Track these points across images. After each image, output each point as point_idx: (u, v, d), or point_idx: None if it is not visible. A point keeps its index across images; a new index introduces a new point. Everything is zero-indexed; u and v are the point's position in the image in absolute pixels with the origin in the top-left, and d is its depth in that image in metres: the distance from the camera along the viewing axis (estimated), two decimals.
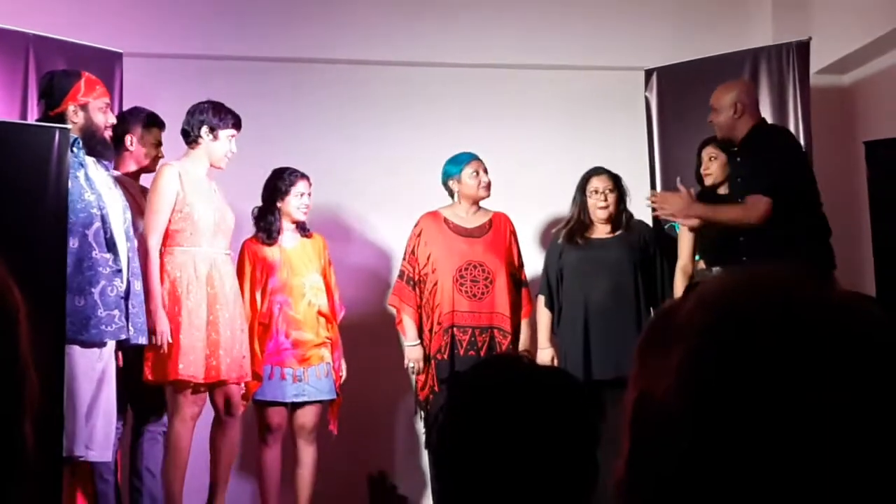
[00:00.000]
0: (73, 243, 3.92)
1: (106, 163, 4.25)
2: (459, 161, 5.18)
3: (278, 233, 5.00)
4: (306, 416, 4.99)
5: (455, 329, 5.01)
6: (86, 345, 3.93)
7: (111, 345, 4.06)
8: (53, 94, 4.11)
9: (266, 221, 5.00)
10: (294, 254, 5.03)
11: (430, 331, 5.06)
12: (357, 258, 5.90)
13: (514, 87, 6.08)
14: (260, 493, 5.02)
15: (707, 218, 4.50)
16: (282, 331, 4.92)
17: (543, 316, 5.11)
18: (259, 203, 5.06)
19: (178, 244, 4.44)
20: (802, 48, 5.44)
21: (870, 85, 5.92)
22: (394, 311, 5.27)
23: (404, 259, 5.19)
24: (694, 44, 5.82)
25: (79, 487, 4.24)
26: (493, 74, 6.06)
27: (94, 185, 4.05)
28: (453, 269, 5.05)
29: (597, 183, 5.02)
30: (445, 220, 5.17)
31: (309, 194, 5.04)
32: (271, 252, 4.98)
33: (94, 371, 3.96)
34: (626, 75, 5.93)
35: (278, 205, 5.01)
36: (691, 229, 4.74)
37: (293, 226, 5.06)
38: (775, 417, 0.66)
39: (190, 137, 4.59)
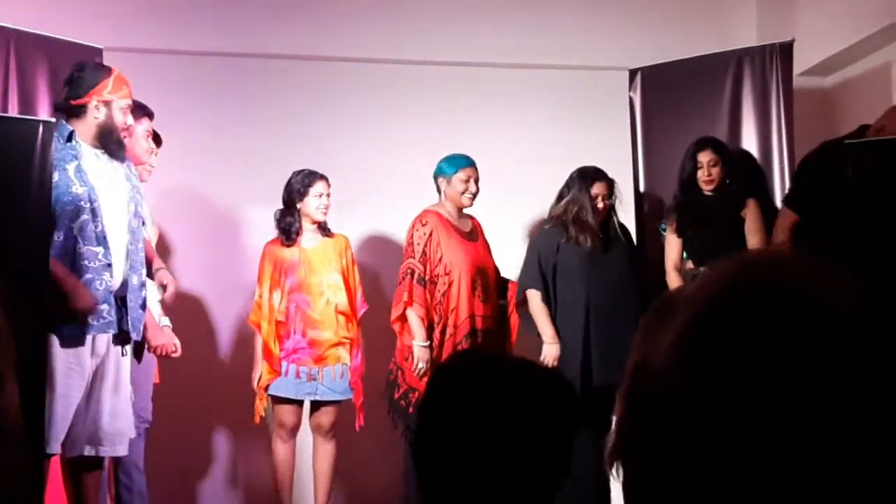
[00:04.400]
0: (58, 236, 3.88)
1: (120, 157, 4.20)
2: (456, 163, 5.15)
3: (297, 234, 5.08)
4: (322, 416, 5.09)
5: (477, 333, 4.99)
6: (67, 339, 3.89)
7: (104, 338, 4.02)
8: (80, 85, 4.07)
9: (285, 223, 5.09)
10: (314, 253, 5.10)
11: (442, 333, 4.97)
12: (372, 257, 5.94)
13: (498, 87, 6.07)
14: (274, 488, 5.08)
15: None
16: (298, 329, 5.00)
17: (543, 311, 4.99)
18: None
19: None
20: (786, 49, 5.46)
21: (852, 87, 5.95)
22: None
23: (413, 257, 5.03)
24: (678, 44, 5.83)
25: (89, 485, 4.18)
26: (477, 73, 6.05)
27: (87, 178, 3.98)
28: (469, 273, 5.01)
29: (599, 188, 5.01)
30: (449, 222, 5.12)
31: (328, 195, 5.10)
32: (290, 252, 5.07)
33: (82, 367, 3.92)
34: (611, 75, 5.94)
35: (298, 206, 5.09)
36: (679, 234, 4.76)
37: (314, 226, 5.13)
38: (768, 391, 0.66)
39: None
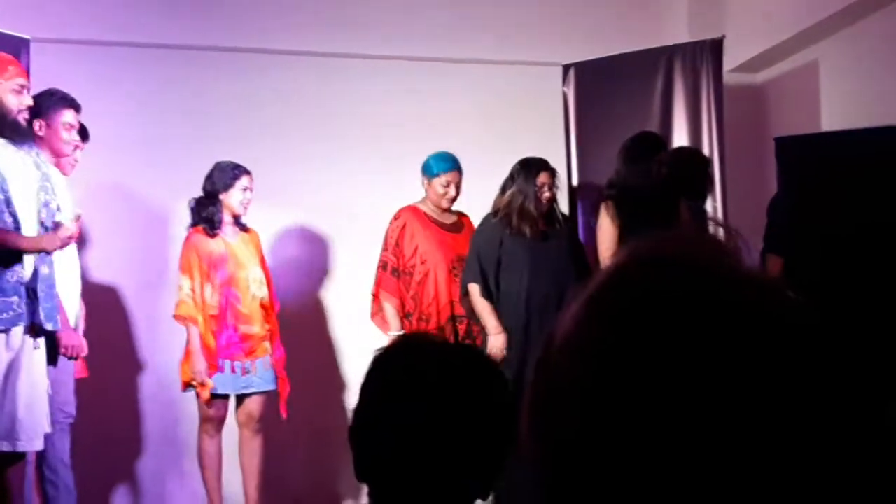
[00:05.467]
0: None
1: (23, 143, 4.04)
2: (441, 166, 5.16)
3: (220, 225, 5.01)
4: (253, 406, 5.04)
5: (456, 320, 5.06)
6: None
7: (19, 333, 3.92)
8: None
9: (208, 212, 5.00)
10: (237, 248, 5.06)
11: (418, 320, 5.04)
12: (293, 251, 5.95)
13: (431, 81, 6.06)
14: (204, 484, 5.02)
15: None
16: (231, 325, 4.96)
17: (484, 304, 4.92)
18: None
19: None
20: (716, 46, 5.53)
21: (781, 83, 6.05)
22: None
23: (385, 250, 5.15)
24: (611, 40, 5.87)
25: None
26: (409, 67, 6.04)
27: None
28: (447, 262, 5.09)
29: (545, 177, 5.00)
30: (426, 215, 5.20)
31: (251, 189, 5.06)
32: (216, 245, 5.00)
33: None
34: (544, 70, 5.96)
35: (220, 197, 5.01)
36: (615, 223, 4.76)
37: (231, 220, 5.07)
38: (653, 363, 0.65)
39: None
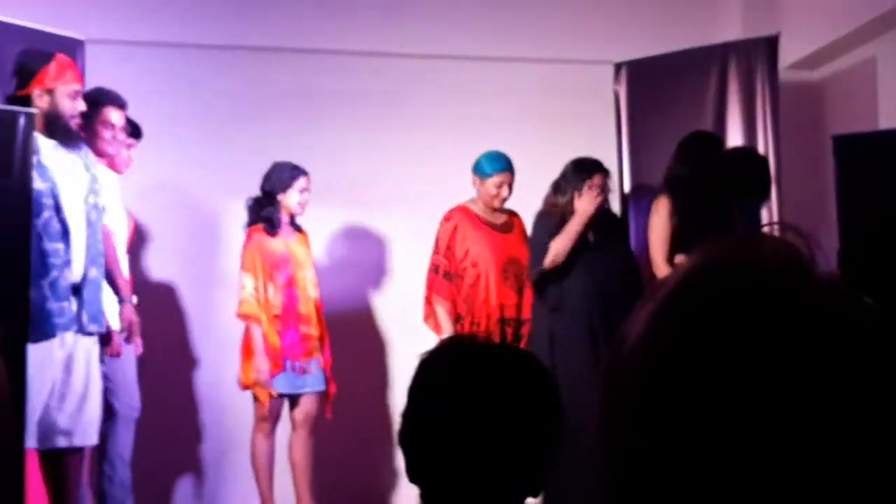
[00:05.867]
0: None
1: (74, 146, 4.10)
2: (493, 166, 5.14)
3: (280, 225, 5.06)
4: (310, 406, 5.09)
5: (505, 323, 5.04)
6: (36, 334, 3.83)
7: (72, 331, 3.98)
8: (23, 75, 3.99)
9: (267, 212, 5.04)
10: (295, 248, 5.11)
11: (471, 324, 5.02)
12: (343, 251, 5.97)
13: (482, 80, 6.05)
14: (258, 484, 5.06)
15: None
16: (293, 325, 5.01)
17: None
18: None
19: None
20: (771, 43, 5.46)
21: (839, 80, 5.96)
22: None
23: (437, 253, 5.13)
24: (664, 38, 5.81)
25: (67, 477, 4.14)
26: (460, 66, 6.03)
27: (48, 173, 3.91)
28: (498, 264, 5.07)
29: (599, 179, 4.95)
30: (477, 216, 5.17)
31: (308, 190, 5.11)
32: (277, 245, 5.05)
33: (53, 360, 3.90)
34: (596, 69, 5.92)
35: (278, 198, 5.06)
36: (670, 220, 4.71)
37: (287, 220, 5.11)
38: (728, 366, 0.65)
39: None
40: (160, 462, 5.50)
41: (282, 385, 4.98)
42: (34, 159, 3.87)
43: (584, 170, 4.96)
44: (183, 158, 5.68)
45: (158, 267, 5.67)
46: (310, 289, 5.09)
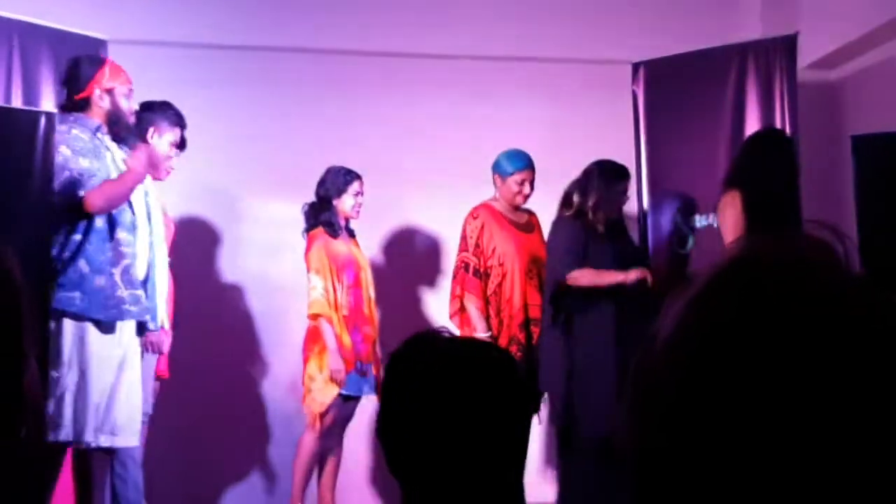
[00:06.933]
0: (99, 222, 3.96)
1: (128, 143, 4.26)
2: (515, 164, 5.14)
3: (340, 228, 5.13)
4: (350, 410, 5.12)
5: (530, 322, 5.03)
6: (103, 326, 3.94)
7: (131, 329, 4.05)
8: (79, 79, 4.12)
9: (325, 217, 5.10)
10: (354, 250, 5.18)
11: (498, 324, 5.02)
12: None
13: (500, 80, 6.06)
14: (297, 479, 5.05)
15: None
16: (358, 326, 5.05)
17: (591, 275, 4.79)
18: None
19: None
20: (790, 43, 5.44)
21: (857, 80, 5.93)
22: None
23: (465, 250, 5.11)
24: (682, 37, 5.79)
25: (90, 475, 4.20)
26: (478, 66, 6.04)
27: (120, 168, 4.08)
28: (523, 263, 5.06)
29: (624, 185, 4.95)
30: (502, 214, 5.17)
31: (363, 194, 5.17)
32: (341, 247, 5.10)
33: (112, 357, 3.98)
34: (613, 68, 5.91)
35: (334, 202, 5.12)
36: (744, 215, 4.66)
37: (343, 223, 5.18)
38: (758, 363, 0.65)
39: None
40: (183, 464, 5.54)
41: (348, 386, 4.98)
42: (109, 155, 4.03)
43: (614, 173, 4.94)
44: (206, 159, 5.70)
45: (195, 270, 5.70)
46: (371, 290, 5.17)
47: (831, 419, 0.63)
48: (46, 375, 3.74)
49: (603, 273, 4.73)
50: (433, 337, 1.67)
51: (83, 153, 3.98)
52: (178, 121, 4.67)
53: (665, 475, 0.68)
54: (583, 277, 4.74)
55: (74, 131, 4.00)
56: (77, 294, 3.88)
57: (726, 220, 4.71)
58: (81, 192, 3.88)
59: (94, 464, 4.13)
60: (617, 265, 4.78)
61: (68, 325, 3.90)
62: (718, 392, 0.66)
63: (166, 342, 4.52)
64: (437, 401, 1.55)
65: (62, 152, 3.90)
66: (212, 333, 5.73)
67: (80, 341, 3.91)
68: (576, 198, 4.91)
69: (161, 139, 4.58)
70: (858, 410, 0.63)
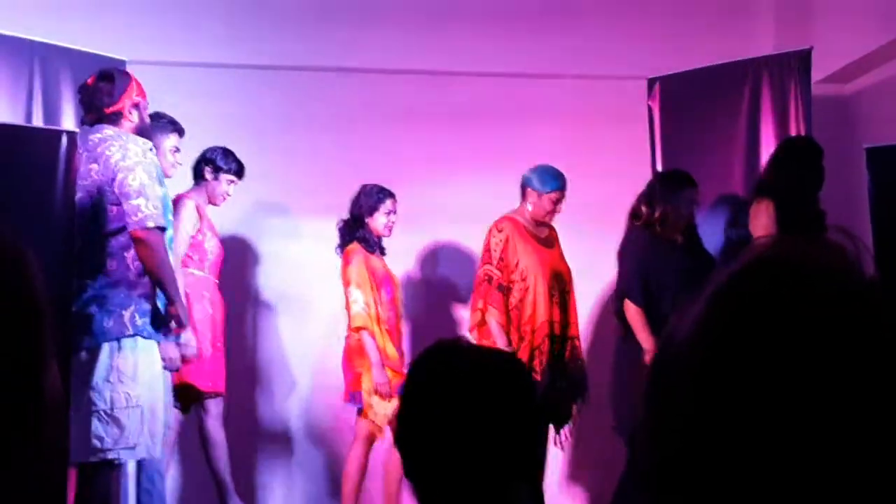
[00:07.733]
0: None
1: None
2: (550, 183, 5.10)
3: (376, 245, 5.18)
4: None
5: (553, 339, 4.99)
6: (161, 343, 4.08)
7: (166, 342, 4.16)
8: (111, 93, 4.07)
9: (360, 234, 5.15)
10: (389, 268, 5.24)
11: (519, 340, 4.95)
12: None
13: (516, 96, 6.08)
14: (347, 494, 5.07)
15: None
16: (396, 341, 5.13)
17: (641, 320, 4.76)
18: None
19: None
20: (804, 58, 5.45)
21: (871, 94, 5.93)
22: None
23: (489, 263, 5.04)
24: (697, 53, 5.80)
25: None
26: (494, 83, 6.06)
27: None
28: (546, 279, 5.01)
29: (693, 194, 4.92)
30: (525, 228, 5.12)
31: (395, 212, 5.21)
32: (379, 263, 5.16)
33: (158, 374, 4.09)
34: (629, 84, 5.93)
35: (366, 220, 5.16)
36: (777, 224, 4.66)
37: (376, 241, 5.22)
38: (774, 363, 0.66)
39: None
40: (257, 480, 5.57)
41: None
42: (158, 171, 4.05)
43: (680, 182, 4.92)
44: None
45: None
46: (401, 308, 5.25)
47: (834, 419, 0.65)
48: (69, 384, 3.77)
49: (640, 329, 4.71)
50: (454, 345, 1.70)
51: (160, 181, 4.05)
52: (172, 126, 4.72)
53: (682, 474, 0.69)
54: (631, 318, 4.77)
55: (150, 155, 4.00)
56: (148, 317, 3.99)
57: (758, 229, 4.72)
58: (153, 224, 3.89)
59: (111, 478, 4.14)
60: (681, 282, 4.70)
61: (141, 343, 3.97)
62: (735, 390, 0.67)
63: (178, 358, 4.52)
64: (455, 407, 1.57)
65: (139, 177, 3.88)
66: (239, 347, 5.77)
67: (150, 359, 4.00)
68: (643, 209, 4.89)
69: (162, 149, 4.58)
70: (858, 410, 0.65)
